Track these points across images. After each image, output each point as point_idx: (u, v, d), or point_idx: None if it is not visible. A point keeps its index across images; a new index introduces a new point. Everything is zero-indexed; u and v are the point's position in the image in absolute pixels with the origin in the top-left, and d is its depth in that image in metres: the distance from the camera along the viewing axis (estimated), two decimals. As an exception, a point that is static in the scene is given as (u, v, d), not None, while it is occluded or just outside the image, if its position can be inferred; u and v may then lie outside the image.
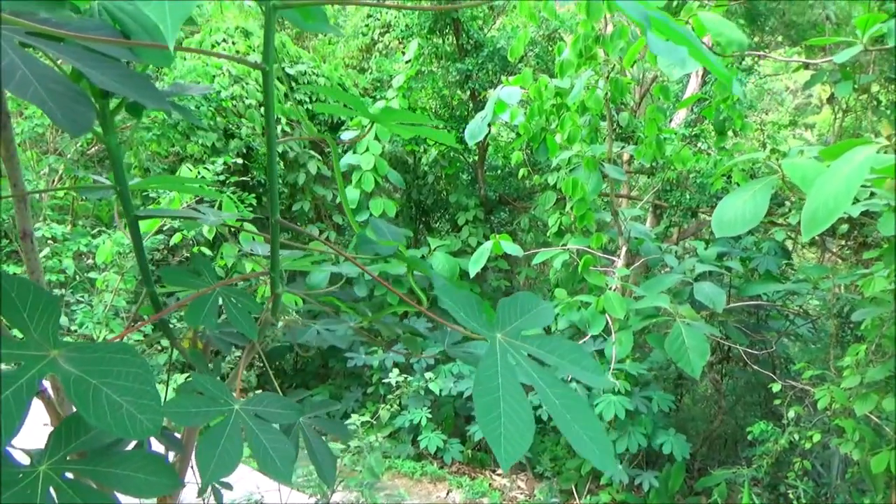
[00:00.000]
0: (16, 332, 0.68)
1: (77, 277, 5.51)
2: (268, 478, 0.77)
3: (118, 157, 0.79)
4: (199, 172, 5.51)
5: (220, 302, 0.90)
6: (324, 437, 0.98)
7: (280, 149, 7.45)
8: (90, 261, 5.55)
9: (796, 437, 5.43)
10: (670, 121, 8.13)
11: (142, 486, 0.72)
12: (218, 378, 0.87)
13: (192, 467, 1.09)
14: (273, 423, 0.82)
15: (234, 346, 1.09)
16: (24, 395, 0.59)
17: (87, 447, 0.71)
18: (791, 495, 5.66)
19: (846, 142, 1.91)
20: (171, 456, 1.05)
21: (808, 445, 5.37)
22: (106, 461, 0.70)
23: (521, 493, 6.49)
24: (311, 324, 1.13)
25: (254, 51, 7.69)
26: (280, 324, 1.04)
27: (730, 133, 6.34)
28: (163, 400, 0.69)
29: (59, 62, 0.72)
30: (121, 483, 0.72)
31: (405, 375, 6.41)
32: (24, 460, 0.71)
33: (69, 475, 0.71)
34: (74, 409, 0.76)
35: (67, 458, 0.70)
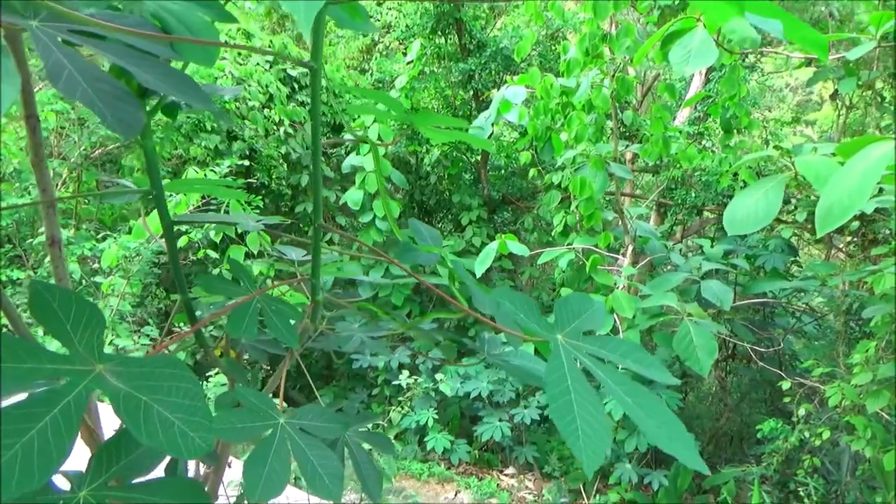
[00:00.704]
0: (56, 346, 0.65)
1: (83, 282, 5.48)
2: (316, 497, 0.73)
3: (155, 161, 0.76)
4: (205, 175, 5.47)
5: (259, 309, 0.87)
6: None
7: (283, 150, 7.42)
8: (95, 265, 5.51)
9: (806, 434, 5.41)
10: (674, 119, 8.10)
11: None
12: (258, 389, 0.84)
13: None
14: (318, 437, 0.79)
15: (270, 354, 1.06)
16: (73, 414, 0.55)
17: (127, 471, 0.68)
18: (801, 493, 5.63)
19: (861, 138, 1.89)
20: (202, 468, 1.02)
21: (817, 443, 5.34)
22: (146, 488, 0.67)
23: (530, 494, 6.46)
24: (354, 332, 1.10)
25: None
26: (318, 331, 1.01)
27: (734, 131, 6.32)
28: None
29: (92, 58, 0.69)
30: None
31: (414, 377, 6.38)
32: (64, 485, 0.68)
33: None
34: (108, 432, 0.73)
35: (109, 484, 0.67)
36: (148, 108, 0.75)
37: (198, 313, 0.98)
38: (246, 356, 1.07)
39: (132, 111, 0.57)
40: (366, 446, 0.96)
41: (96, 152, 5.95)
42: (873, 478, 5.49)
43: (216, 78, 6.80)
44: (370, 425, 1.07)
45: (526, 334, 0.75)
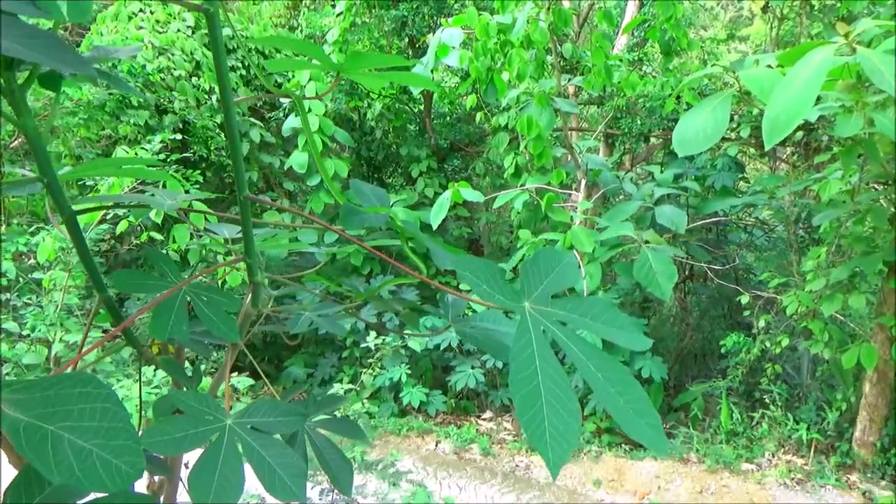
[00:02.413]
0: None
1: (20, 279, 5.21)
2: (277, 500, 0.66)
3: (40, 144, 0.65)
4: (135, 153, 5.18)
5: (189, 300, 0.77)
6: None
7: (218, 119, 7.10)
8: (31, 260, 5.24)
9: (767, 344, 5.59)
10: (612, 48, 8.03)
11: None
12: (199, 388, 0.75)
13: (181, 480, 0.97)
14: (274, 433, 0.71)
15: (214, 346, 0.96)
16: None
17: (56, 499, 0.59)
18: (766, 399, 5.86)
19: (802, 45, 1.85)
20: (155, 477, 0.93)
21: (777, 350, 5.53)
22: (83, 514, 0.58)
23: (509, 434, 6.58)
24: (300, 311, 1.00)
25: (174, 18, 7.22)
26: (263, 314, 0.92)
27: (673, 53, 6.28)
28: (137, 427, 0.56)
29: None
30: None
31: (382, 337, 6.33)
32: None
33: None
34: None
35: (34, 517, 0.58)
36: (20, 82, 0.63)
37: (125, 310, 0.88)
38: (187, 351, 0.97)
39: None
40: (331, 435, 0.89)
41: (15, 142, 5.58)
42: (832, 377, 5.73)
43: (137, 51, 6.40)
44: (336, 411, 1.00)
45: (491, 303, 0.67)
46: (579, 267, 5.32)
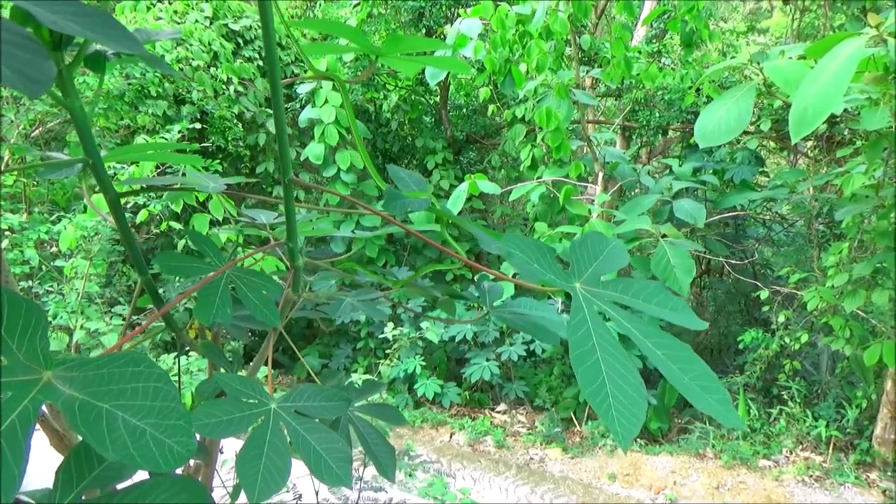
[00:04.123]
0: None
1: (43, 267, 5.25)
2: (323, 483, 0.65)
3: (86, 124, 0.64)
4: (155, 143, 5.20)
5: (231, 285, 0.77)
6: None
7: (235, 110, 7.12)
8: (53, 248, 5.29)
9: (786, 340, 5.53)
10: (631, 39, 7.95)
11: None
12: (242, 372, 0.75)
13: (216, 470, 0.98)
14: (317, 418, 0.70)
15: (251, 331, 0.96)
16: (19, 437, 0.46)
17: (104, 479, 0.59)
18: (785, 396, 5.81)
19: (831, 36, 1.81)
20: (191, 462, 0.94)
21: (796, 346, 5.47)
22: (130, 494, 0.58)
23: (523, 427, 6.57)
24: (342, 296, 1.00)
25: (192, 9, 7.24)
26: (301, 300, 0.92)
27: (694, 45, 6.20)
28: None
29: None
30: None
31: (399, 328, 6.34)
32: (31, 506, 0.59)
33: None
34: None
35: (83, 497, 0.58)
36: (67, 62, 0.63)
37: (163, 292, 0.88)
38: (225, 335, 0.97)
39: (37, 62, 0.45)
40: (373, 421, 0.89)
41: (36, 130, 5.62)
42: (852, 374, 5.67)
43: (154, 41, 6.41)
44: (374, 396, 0.99)
45: (542, 285, 0.67)
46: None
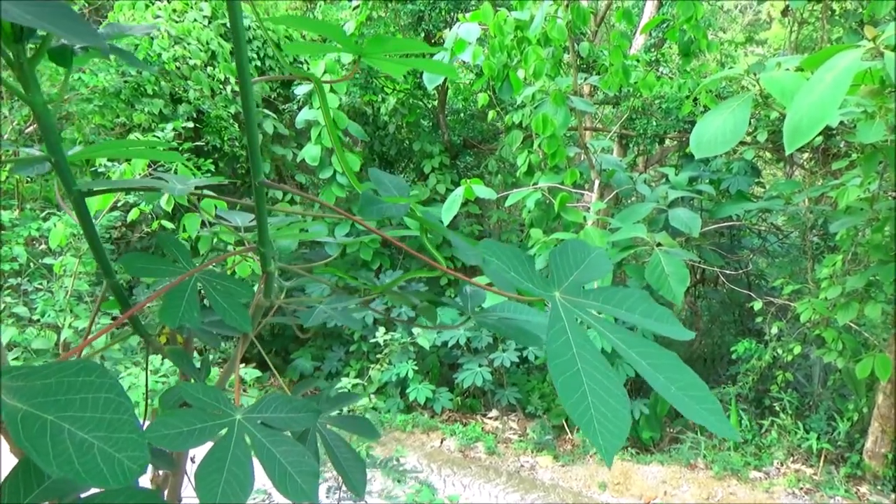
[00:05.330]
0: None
1: (32, 264, 5.21)
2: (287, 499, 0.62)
3: (49, 121, 0.62)
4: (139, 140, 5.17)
5: (200, 288, 0.74)
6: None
7: (232, 110, 7.09)
8: (43, 246, 5.24)
9: (779, 351, 5.52)
10: (629, 47, 7.95)
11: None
12: (207, 380, 0.72)
13: (186, 475, 0.95)
14: (284, 430, 0.68)
15: (222, 337, 0.93)
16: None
17: (54, 493, 0.57)
18: (776, 407, 5.79)
19: (828, 48, 1.80)
20: (159, 471, 0.91)
21: (789, 358, 5.46)
22: (82, 509, 0.56)
23: (515, 434, 6.54)
24: (314, 303, 0.97)
25: (191, 8, 7.22)
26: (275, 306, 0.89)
27: (692, 54, 6.20)
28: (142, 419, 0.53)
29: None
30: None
31: (391, 333, 6.31)
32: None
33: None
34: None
35: (32, 511, 0.55)
36: (29, 55, 0.60)
37: (134, 298, 0.85)
38: (206, 344, 0.94)
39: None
40: (343, 434, 0.86)
41: (30, 127, 5.59)
42: (844, 386, 5.66)
43: (152, 38, 6.40)
44: (346, 408, 0.96)
45: (519, 293, 0.64)
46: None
